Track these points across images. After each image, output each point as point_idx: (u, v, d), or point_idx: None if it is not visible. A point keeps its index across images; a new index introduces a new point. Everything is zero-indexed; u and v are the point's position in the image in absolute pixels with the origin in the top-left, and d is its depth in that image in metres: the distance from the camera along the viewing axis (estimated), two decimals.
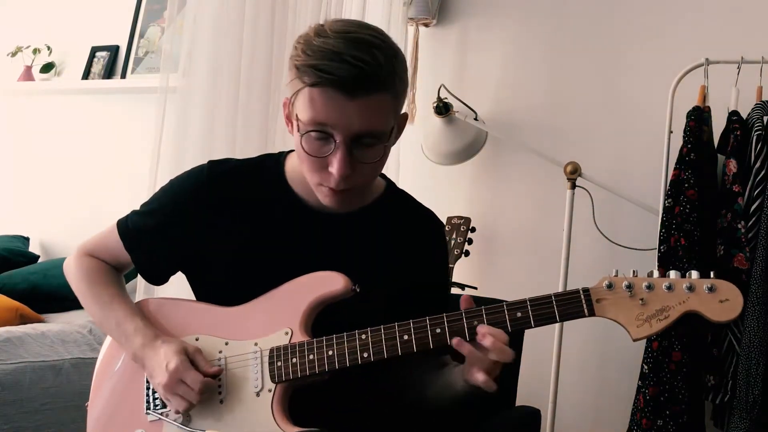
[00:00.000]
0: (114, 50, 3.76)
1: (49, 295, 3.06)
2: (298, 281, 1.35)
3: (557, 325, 2.44)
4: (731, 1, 2.49)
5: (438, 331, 1.25)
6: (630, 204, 2.51)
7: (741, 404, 2.00)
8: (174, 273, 1.50)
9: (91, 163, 3.72)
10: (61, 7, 3.93)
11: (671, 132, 2.26)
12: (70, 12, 3.89)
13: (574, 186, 2.49)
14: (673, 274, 1.21)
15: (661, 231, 2.16)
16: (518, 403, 1.91)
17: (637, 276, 1.22)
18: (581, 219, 2.54)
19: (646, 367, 2.13)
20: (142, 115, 3.30)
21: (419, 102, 2.88)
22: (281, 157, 1.45)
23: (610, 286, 1.22)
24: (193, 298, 1.47)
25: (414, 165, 2.84)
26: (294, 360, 1.30)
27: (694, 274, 1.20)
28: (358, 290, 1.31)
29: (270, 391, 1.31)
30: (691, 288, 1.19)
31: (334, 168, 1.25)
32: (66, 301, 2.99)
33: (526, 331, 1.34)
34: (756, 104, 2.14)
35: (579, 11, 2.75)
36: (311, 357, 1.29)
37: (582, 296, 1.22)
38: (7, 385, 2.40)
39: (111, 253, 1.48)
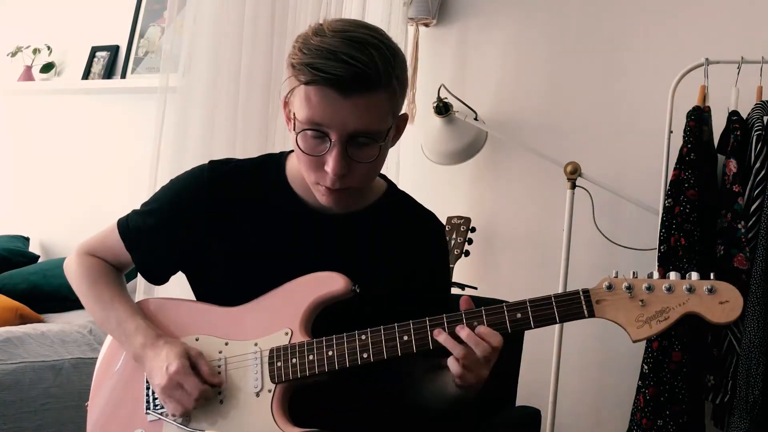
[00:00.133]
0: (114, 50, 3.75)
1: (49, 295, 3.05)
2: (298, 281, 1.35)
3: (557, 326, 2.44)
4: (731, 1, 2.49)
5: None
6: (630, 204, 2.51)
7: (741, 404, 2.00)
8: (174, 273, 1.50)
9: (91, 163, 3.71)
10: (61, 7, 3.93)
11: (671, 132, 2.26)
12: (70, 12, 3.89)
13: (574, 186, 2.49)
14: (673, 275, 1.21)
15: (661, 231, 2.16)
16: (518, 403, 1.92)
17: (637, 277, 1.22)
18: (581, 219, 2.53)
19: (646, 367, 2.13)
20: (142, 115, 3.29)
21: (419, 102, 2.87)
22: (282, 157, 1.45)
23: (610, 287, 1.22)
24: (193, 298, 1.47)
25: (414, 165, 2.84)
26: (294, 360, 1.30)
27: (694, 275, 1.20)
28: (358, 291, 1.31)
29: (270, 391, 1.31)
30: (691, 289, 1.19)
31: (329, 166, 1.25)
32: (66, 301, 2.99)
33: (526, 331, 1.34)
34: (756, 104, 2.14)
35: (579, 11, 2.74)
36: (311, 357, 1.29)
37: (582, 297, 1.22)
38: (7, 385, 2.40)
39: (111, 252, 1.48)
